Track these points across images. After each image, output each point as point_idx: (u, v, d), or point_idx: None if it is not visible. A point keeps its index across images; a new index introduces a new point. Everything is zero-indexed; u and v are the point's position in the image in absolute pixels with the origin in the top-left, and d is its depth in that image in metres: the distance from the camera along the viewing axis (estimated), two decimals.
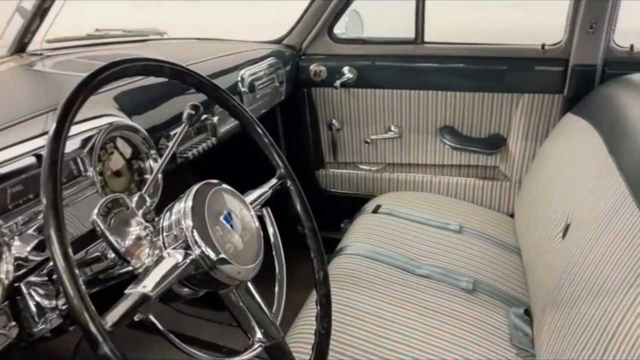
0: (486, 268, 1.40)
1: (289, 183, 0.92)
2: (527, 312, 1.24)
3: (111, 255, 0.72)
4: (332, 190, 2.03)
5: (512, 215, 1.77)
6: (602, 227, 0.96)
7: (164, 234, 0.68)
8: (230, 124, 1.36)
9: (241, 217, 0.73)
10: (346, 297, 1.23)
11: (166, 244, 0.67)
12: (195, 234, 0.65)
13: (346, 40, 1.86)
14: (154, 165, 1.00)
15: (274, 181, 0.91)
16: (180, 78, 0.79)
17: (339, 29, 1.88)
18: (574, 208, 1.18)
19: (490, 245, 1.52)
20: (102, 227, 0.65)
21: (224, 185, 0.74)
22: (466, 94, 1.76)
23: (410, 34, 1.81)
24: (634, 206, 0.88)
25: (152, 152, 1.00)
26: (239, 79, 1.47)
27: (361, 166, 2.00)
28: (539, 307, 1.16)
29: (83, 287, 0.51)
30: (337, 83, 1.82)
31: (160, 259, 0.65)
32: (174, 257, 0.65)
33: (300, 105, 1.92)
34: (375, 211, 1.64)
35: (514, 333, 1.17)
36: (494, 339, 1.15)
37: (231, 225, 0.70)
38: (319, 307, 0.88)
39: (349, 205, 1.82)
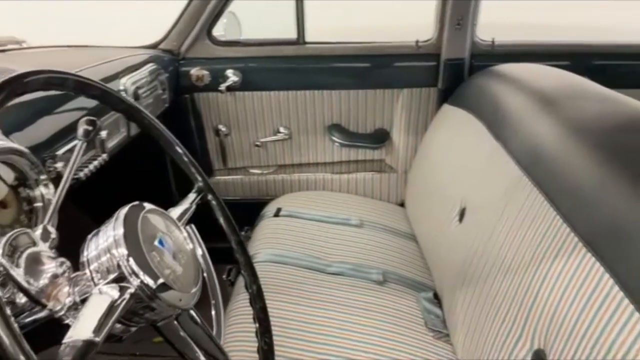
0: (391, 258, 1.45)
1: (209, 196, 0.87)
2: (435, 295, 1.32)
3: (21, 300, 0.62)
4: (226, 198, 1.97)
5: (402, 205, 1.87)
6: (502, 207, 1.05)
7: (91, 267, 0.60)
8: (118, 137, 1.25)
9: (174, 239, 0.67)
10: None
11: (95, 279, 0.59)
12: (132, 262, 0.58)
13: (227, 42, 1.81)
14: (46, 192, 0.88)
15: (193, 196, 0.85)
16: (85, 91, 0.71)
17: (217, 32, 1.82)
18: (467, 193, 1.27)
19: (390, 235, 1.58)
20: (9, 269, 0.55)
21: (151, 206, 0.68)
22: (350, 91, 1.81)
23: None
24: (531, 185, 0.97)
25: (42, 177, 0.88)
26: (122, 88, 1.35)
27: (253, 170, 1.97)
28: (446, 288, 1.24)
29: (25, 342, 0.43)
30: (223, 87, 1.77)
31: (91, 297, 0.57)
32: (107, 293, 0.57)
33: (184, 112, 1.83)
34: (277, 214, 1.62)
35: (427, 317, 1.23)
36: (410, 325, 1.20)
37: (166, 249, 0.64)
38: (257, 324, 0.85)
39: (246, 212, 1.78)
